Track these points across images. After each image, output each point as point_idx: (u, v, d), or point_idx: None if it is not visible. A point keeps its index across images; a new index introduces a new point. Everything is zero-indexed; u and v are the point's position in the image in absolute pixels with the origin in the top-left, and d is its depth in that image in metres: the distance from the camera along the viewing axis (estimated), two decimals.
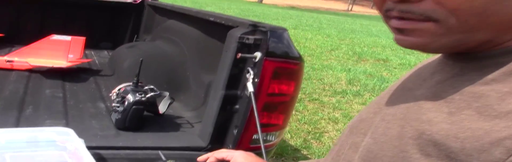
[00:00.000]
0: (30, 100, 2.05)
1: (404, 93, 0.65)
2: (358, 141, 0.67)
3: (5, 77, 2.38)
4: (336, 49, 9.51)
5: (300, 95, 5.02)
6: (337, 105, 4.86)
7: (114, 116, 1.82)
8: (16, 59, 2.57)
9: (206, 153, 1.02)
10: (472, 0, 0.48)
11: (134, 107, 1.76)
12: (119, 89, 1.88)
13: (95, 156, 1.40)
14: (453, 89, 0.55)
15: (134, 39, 3.52)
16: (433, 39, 0.52)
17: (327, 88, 5.66)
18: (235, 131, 1.67)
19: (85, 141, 1.46)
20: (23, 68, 2.55)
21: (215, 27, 2.02)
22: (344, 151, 0.70)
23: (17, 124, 1.74)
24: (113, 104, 1.84)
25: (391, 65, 8.10)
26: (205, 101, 1.99)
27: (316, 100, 4.98)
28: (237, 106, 1.68)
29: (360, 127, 0.70)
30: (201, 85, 2.13)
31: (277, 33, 1.61)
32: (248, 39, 1.58)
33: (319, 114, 4.46)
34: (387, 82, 6.37)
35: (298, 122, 4.13)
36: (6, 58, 2.57)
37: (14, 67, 2.55)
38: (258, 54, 1.58)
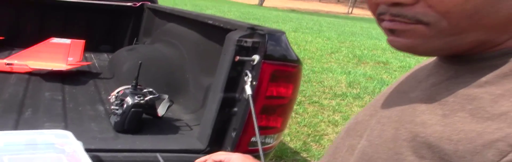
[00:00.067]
0: (30, 102, 2.06)
1: (400, 96, 0.65)
2: (355, 143, 0.68)
3: (5, 80, 2.39)
4: (336, 52, 9.52)
5: (300, 97, 5.03)
6: (337, 107, 4.86)
7: (113, 119, 1.82)
8: (15, 62, 2.58)
9: (204, 155, 1.02)
10: (463, 3, 0.48)
11: (132, 109, 1.77)
12: (118, 92, 1.89)
13: (93, 158, 1.41)
14: (447, 91, 0.56)
15: (134, 42, 3.52)
16: (424, 41, 0.53)
17: (327, 90, 5.66)
18: (233, 134, 1.67)
19: (84, 144, 1.46)
20: (23, 71, 2.56)
21: (214, 30, 2.02)
22: (341, 154, 0.71)
23: (16, 126, 1.74)
24: (112, 107, 1.85)
25: (391, 68, 8.09)
26: (204, 103, 2.00)
27: (316, 102, 4.98)
28: (235, 109, 1.68)
29: (356, 129, 0.70)
30: (200, 88, 2.14)
31: (275, 36, 1.61)
32: (246, 42, 1.58)
33: (319, 116, 4.46)
34: (387, 84, 6.37)
35: (298, 124, 4.13)
36: (5, 61, 2.58)
37: (14, 70, 2.56)
38: (256, 57, 1.59)
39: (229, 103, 1.68)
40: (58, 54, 2.65)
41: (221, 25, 1.87)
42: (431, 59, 0.68)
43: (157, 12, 3.30)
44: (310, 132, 3.97)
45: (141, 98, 1.79)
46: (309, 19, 22.76)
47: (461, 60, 0.57)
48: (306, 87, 5.63)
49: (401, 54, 9.90)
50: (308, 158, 3.39)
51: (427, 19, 0.50)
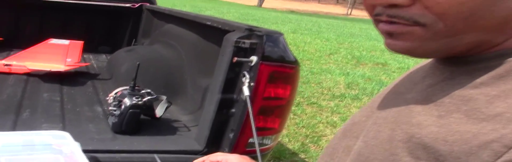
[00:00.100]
0: (28, 103, 2.06)
1: (396, 97, 0.65)
2: (351, 144, 0.68)
3: (3, 81, 2.39)
4: (335, 53, 9.52)
5: (298, 98, 5.03)
6: (335, 109, 4.87)
7: (111, 120, 1.82)
8: (14, 63, 2.58)
9: (202, 156, 1.02)
10: (459, 5, 0.48)
11: (130, 110, 1.77)
12: (116, 93, 1.89)
13: (91, 159, 1.41)
14: (443, 92, 0.56)
15: (132, 43, 3.53)
16: (421, 43, 0.53)
17: (325, 92, 5.67)
18: (231, 135, 1.68)
19: (82, 145, 1.46)
20: (21, 72, 2.56)
21: (212, 31, 2.03)
22: (337, 155, 0.71)
23: (14, 127, 1.74)
24: (110, 108, 1.85)
25: (389, 69, 8.10)
26: (202, 104, 2.00)
27: (314, 104, 4.98)
28: (233, 110, 1.68)
29: (352, 130, 0.70)
30: (198, 89, 2.14)
31: (273, 37, 1.61)
32: (244, 43, 1.58)
33: (317, 118, 4.46)
34: (386, 86, 6.36)
35: (296, 126, 4.13)
36: (4, 62, 2.58)
37: (12, 71, 2.56)
38: (254, 58, 1.59)
39: (227, 104, 1.68)
40: (57, 55, 2.65)
41: (219, 26, 1.87)
42: (428, 60, 0.68)
43: (155, 13, 3.30)
44: (308, 133, 3.97)
45: (139, 99, 1.79)
46: (308, 20, 22.78)
47: (457, 61, 0.57)
48: (304, 88, 5.64)
49: (399, 56, 9.91)
50: (306, 159, 3.39)
51: (424, 21, 0.51)
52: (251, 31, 1.62)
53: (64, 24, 3.55)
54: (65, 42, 2.70)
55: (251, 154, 1.54)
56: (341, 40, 12.71)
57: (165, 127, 1.94)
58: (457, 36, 0.51)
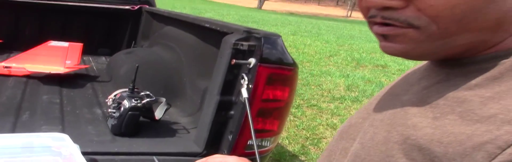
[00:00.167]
0: (27, 105, 2.06)
1: (392, 99, 0.65)
2: (348, 146, 0.68)
3: (3, 83, 2.39)
4: (335, 55, 9.53)
5: (298, 101, 5.03)
6: (335, 111, 4.87)
7: (110, 122, 1.82)
8: (14, 65, 2.58)
9: (201, 158, 1.02)
10: (452, 8, 0.49)
11: (129, 113, 1.77)
12: (115, 95, 1.89)
13: (90, 161, 1.41)
14: (438, 94, 0.56)
15: (132, 45, 3.53)
16: (415, 45, 0.53)
17: (325, 94, 5.67)
18: (230, 137, 1.68)
19: (81, 147, 1.46)
20: (21, 74, 2.56)
21: (211, 34, 2.03)
22: (334, 157, 0.71)
23: (14, 129, 1.75)
24: (109, 110, 1.85)
25: (389, 71, 8.10)
26: (201, 107, 2.00)
27: (314, 106, 4.98)
28: (232, 112, 1.69)
29: (349, 132, 0.70)
30: (197, 91, 2.14)
31: (271, 40, 1.62)
32: (242, 45, 1.59)
33: (317, 120, 4.46)
34: None
35: (296, 128, 4.13)
36: (4, 64, 2.58)
37: (12, 73, 2.56)
38: (252, 60, 1.59)
39: (226, 106, 1.68)
40: (56, 57, 2.65)
41: (218, 28, 1.87)
42: (424, 62, 0.68)
43: (155, 15, 3.31)
44: (308, 135, 3.97)
45: (138, 101, 1.79)
46: (308, 22, 22.79)
47: (452, 63, 0.58)
48: (304, 91, 5.64)
49: (399, 58, 9.90)
50: (306, 161, 3.39)
51: (417, 23, 0.51)
52: (249, 33, 1.63)
53: (63, 26, 3.56)
54: (65, 44, 2.70)
55: (250, 156, 1.55)
56: (341, 42, 12.72)
57: (164, 129, 1.94)
58: (450, 38, 0.52)
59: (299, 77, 6.38)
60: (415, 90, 0.61)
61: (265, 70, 1.58)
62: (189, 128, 1.98)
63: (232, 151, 1.67)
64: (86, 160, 1.36)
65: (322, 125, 4.31)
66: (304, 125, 4.21)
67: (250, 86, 1.59)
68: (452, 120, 0.51)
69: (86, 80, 2.68)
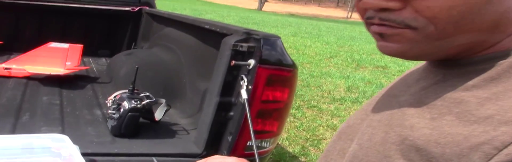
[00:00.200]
0: (27, 107, 2.06)
1: (390, 100, 0.66)
2: (346, 147, 0.68)
3: (3, 84, 2.39)
4: (335, 56, 9.53)
5: (298, 102, 5.03)
6: (335, 112, 4.87)
7: (110, 123, 1.83)
8: (14, 66, 2.58)
9: (200, 159, 1.02)
10: (449, 9, 0.49)
11: (129, 114, 1.77)
12: (115, 96, 1.89)
13: None
14: (435, 95, 0.56)
15: (132, 46, 3.53)
16: (412, 45, 0.53)
17: (325, 95, 5.67)
18: (229, 138, 1.68)
19: (81, 148, 1.47)
20: (21, 75, 2.56)
21: (210, 35, 2.03)
22: (332, 157, 0.71)
23: (14, 130, 1.75)
24: (109, 111, 1.85)
25: (390, 72, 8.10)
26: (201, 108, 2.00)
27: (314, 107, 4.98)
28: (231, 113, 1.69)
29: (347, 133, 0.71)
30: (197, 92, 2.14)
31: (270, 41, 1.62)
32: (241, 46, 1.59)
33: (318, 121, 4.46)
34: None
35: (296, 129, 4.13)
36: (4, 65, 2.58)
37: (12, 75, 2.56)
38: (251, 62, 1.59)
39: (225, 107, 1.69)
40: (56, 58, 2.65)
41: (217, 29, 1.88)
42: (422, 63, 0.68)
43: (155, 16, 3.31)
44: (308, 136, 3.97)
45: (138, 102, 1.80)
46: (308, 23, 22.79)
47: (449, 64, 0.58)
48: (304, 92, 5.64)
49: (400, 59, 9.90)
50: None
51: (415, 24, 0.51)
52: (248, 35, 1.63)
53: (63, 27, 3.56)
54: (65, 45, 2.70)
55: (250, 157, 1.54)
56: (341, 43, 12.72)
57: (164, 130, 1.94)
58: (448, 39, 0.52)
59: (300, 78, 6.38)
60: (412, 91, 0.61)
61: (264, 71, 1.59)
62: (189, 129, 1.98)
63: (231, 152, 1.67)
64: (86, 161, 1.36)
65: (322, 126, 4.31)
66: (304, 126, 4.21)
67: (250, 87, 1.59)
68: (449, 121, 0.51)
69: (86, 82, 2.68)
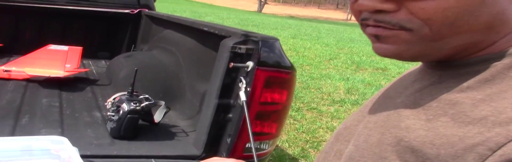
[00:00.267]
0: (27, 109, 2.07)
1: (386, 101, 0.66)
2: (342, 148, 0.68)
3: (3, 87, 2.40)
4: (335, 58, 9.53)
5: (298, 104, 5.03)
6: (335, 114, 4.87)
7: (109, 125, 1.83)
8: (13, 68, 2.59)
9: (199, 161, 1.02)
10: (444, 11, 0.49)
11: (128, 116, 1.77)
12: (114, 98, 1.90)
13: None
14: (431, 96, 0.57)
15: (132, 49, 3.54)
16: (407, 46, 0.54)
17: (325, 97, 5.67)
18: (228, 140, 1.68)
19: (80, 150, 1.47)
20: (21, 77, 2.56)
21: (209, 37, 2.04)
22: (329, 158, 0.71)
23: (13, 133, 1.75)
24: (108, 113, 1.86)
25: (389, 74, 8.10)
26: (200, 110, 2.00)
27: (314, 109, 4.98)
28: (230, 115, 1.69)
29: (344, 134, 0.71)
30: (196, 94, 2.15)
31: (269, 43, 1.62)
32: (240, 48, 1.60)
33: (317, 123, 4.46)
34: None
35: (296, 131, 4.13)
36: (3, 68, 2.59)
37: (12, 77, 2.57)
38: (250, 64, 1.60)
39: (224, 109, 1.69)
40: (56, 60, 2.66)
41: (216, 32, 1.88)
42: (418, 65, 0.69)
43: (154, 19, 3.31)
44: (308, 138, 3.97)
45: (137, 104, 1.80)
46: (308, 25, 22.81)
47: (445, 65, 0.58)
48: (304, 94, 5.64)
49: (399, 61, 9.89)
50: None
51: (410, 26, 0.52)
52: (247, 37, 1.63)
53: (63, 30, 3.57)
54: (64, 48, 2.71)
55: (249, 159, 1.55)
56: (341, 45, 12.73)
57: (163, 132, 1.94)
58: (443, 40, 0.52)
59: (299, 80, 6.38)
60: (408, 93, 0.62)
61: (263, 73, 1.59)
62: (188, 131, 1.98)
63: (230, 154, 1.68)
64: None
65: (322, 128, 4.31)
66: (304, 128, 4.21)
67: (248, 89, 1.59)
68: (444, 122, 0.52)
69: (86, 84, 2.68)
